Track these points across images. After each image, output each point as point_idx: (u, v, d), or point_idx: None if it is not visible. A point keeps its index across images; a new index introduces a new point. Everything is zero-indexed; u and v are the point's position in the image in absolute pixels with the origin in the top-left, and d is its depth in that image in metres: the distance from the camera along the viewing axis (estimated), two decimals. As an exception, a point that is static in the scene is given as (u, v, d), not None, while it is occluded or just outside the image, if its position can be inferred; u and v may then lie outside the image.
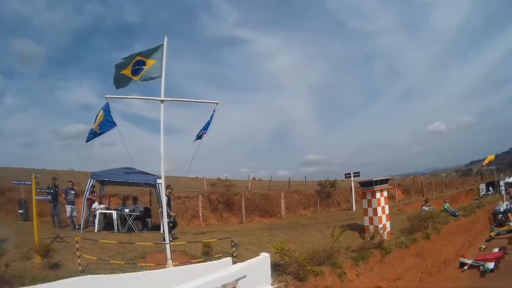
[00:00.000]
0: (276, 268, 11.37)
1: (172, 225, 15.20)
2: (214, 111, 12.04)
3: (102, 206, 18.07)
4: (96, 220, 16.94)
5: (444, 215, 23.10)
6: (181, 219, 21.27)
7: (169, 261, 10.81)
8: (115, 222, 17.02)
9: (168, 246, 10.98)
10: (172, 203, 15.98)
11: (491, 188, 38.58)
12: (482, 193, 38.64)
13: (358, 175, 27.93)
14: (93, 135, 11.77)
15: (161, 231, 14.66)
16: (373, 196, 17.27)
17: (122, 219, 17.41)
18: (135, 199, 19.76)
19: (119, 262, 11.28)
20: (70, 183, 18.11)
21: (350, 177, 28.34)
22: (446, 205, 26.10)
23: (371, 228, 16.97)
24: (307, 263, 11.79)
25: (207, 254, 12.46)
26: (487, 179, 46.04)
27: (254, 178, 41.52)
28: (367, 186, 17.67)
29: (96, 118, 11.50)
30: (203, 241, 12.90)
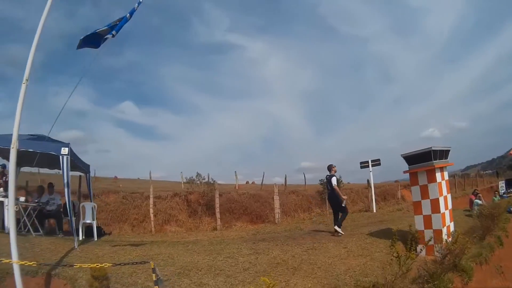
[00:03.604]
0: None
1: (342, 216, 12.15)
2: (138, 4, 7.53)
3: None
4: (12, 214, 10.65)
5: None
6: (148, 223, 16.91)
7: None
8: (5, 217, 11.10)
9: (16, 268, 5.87)
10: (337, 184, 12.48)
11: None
12: (502, 190, 32.32)
13: (379, 163, 20.85)
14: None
15: (81, 236, 11.59)
16: (431, 178, 10.01)
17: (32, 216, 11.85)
18: (51, 187, 13.50)
19: None
20: None
21: (368, 166, 21.04)
22: (497, 198, 20.62)
23: (428, 234, 9.52)
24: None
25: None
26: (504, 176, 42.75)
27: (247, 182, 37.72)
28: (421, 162, 10.32)
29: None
30: (89, 265, 6.28)
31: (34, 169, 17.79)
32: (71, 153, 10.95)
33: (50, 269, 7.29)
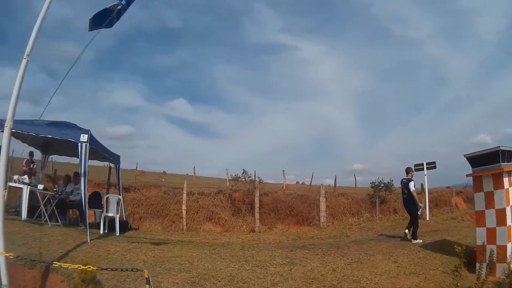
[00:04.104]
0: None
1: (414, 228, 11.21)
2: None
3: (18, 177, 11.56)
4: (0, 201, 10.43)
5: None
6: (191, 220, 16.24)
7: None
8: (22, 204, 10.59)
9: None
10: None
11: None
12: None
13: (434, 166, 19.09)
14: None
15: (102, 230, 11.21)
16: (498, 184, 8.39)
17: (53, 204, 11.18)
18: (76, 177, 12.42)
19: None
20: None
21: (423, 169, 19.22)
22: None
23: (491, 250, 7.95)
24: None
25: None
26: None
27: (297, 182, 36.41)
28: (487, 164, 8.74)
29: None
30: (70, 266, 5.39)
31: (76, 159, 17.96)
32: (95, 142, 10.57)
33: (49, 263, 6.43)
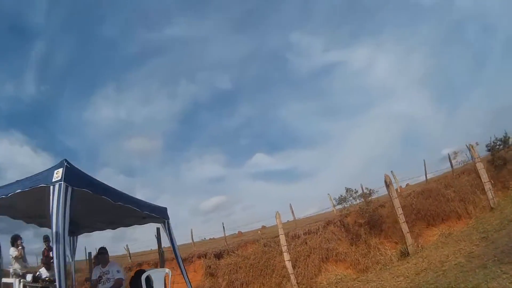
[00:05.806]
0: None
1: None
2: None
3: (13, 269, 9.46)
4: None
5: None
6: (304, 269, 13.01)
7: None
8: None
9: None
10: None
11: None
12: None
13: None
14: None
15: None
16: None
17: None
18: (102, 254, 8.59)
19: None
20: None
21: None
22: None
23: None
24: None
25: None
26: None
27: (400, 187, 31.02)
28: None
29: None
30: None
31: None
32: (106, 190, 6.73)
33: None
